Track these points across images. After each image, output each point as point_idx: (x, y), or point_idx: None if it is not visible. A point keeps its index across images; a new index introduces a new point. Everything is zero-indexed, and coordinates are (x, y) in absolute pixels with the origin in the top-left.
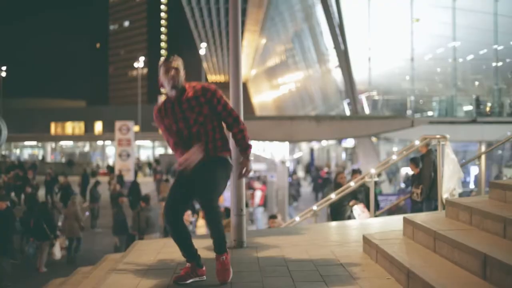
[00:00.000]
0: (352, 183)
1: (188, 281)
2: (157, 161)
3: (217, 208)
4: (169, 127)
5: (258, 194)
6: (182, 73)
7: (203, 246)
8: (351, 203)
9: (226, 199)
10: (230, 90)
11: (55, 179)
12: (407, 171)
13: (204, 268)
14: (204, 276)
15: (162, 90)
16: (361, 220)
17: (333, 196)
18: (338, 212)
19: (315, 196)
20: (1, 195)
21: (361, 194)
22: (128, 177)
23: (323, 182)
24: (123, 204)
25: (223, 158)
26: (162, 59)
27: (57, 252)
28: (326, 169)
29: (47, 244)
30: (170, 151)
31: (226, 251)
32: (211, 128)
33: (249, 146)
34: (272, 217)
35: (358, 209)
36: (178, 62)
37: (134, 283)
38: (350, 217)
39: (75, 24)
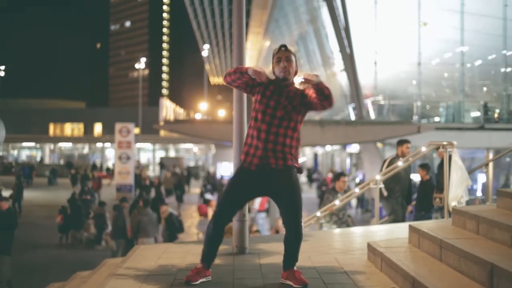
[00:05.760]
0: None
1: (199, 281)
2: (161, 164)
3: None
4: (260, 99)
5: (258, 200)
6: (294, 65)
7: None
8: None
9: None
10: (233, 92)
11: None
12: (413, 177)
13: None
14: (210, 277)
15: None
16: None
17: (337, 202)
18: None
19: (318, 203)
20: (1, 196)
21: None
22: (128, 180)
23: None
24: (123, 208)
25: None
26: (277, 47)
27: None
28: (330, 175)
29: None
30: (171, 154)
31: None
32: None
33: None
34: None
35: None
36: (292, 54)
37: None
38: None
39: (75, 23)
